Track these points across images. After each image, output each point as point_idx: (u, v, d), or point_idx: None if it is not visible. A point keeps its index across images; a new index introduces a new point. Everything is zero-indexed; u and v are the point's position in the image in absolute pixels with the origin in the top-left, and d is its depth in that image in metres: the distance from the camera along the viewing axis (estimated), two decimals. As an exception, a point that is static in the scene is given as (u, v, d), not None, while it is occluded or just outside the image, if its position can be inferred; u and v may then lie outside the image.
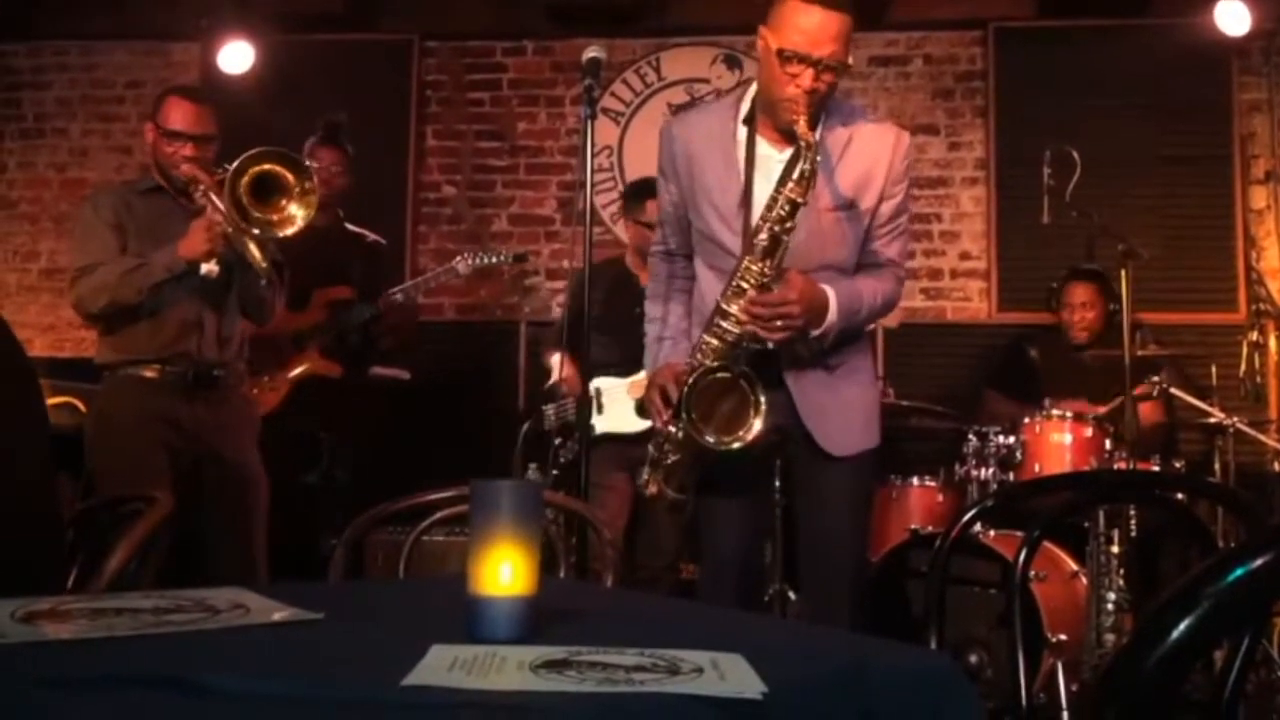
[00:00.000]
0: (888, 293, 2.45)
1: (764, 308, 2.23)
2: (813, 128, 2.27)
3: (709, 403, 2.28)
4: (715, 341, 2.30)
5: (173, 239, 2.99)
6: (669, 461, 2.37)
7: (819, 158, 2.24)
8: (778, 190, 2.24)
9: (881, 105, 5.21)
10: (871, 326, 2.72)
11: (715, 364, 2.27)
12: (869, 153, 2.37)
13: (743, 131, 2.40)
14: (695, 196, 2.44)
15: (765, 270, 2.25)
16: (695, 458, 2.34)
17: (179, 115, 3.11)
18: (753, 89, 2.41)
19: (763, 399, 2.24)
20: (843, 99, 2.51)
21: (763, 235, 2.24)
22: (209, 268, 2.96)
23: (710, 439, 2.26)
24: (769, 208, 2.24)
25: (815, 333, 2.32)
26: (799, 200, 2.21)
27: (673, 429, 2.33)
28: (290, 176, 2.96)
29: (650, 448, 2.42)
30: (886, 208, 2.41)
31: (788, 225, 2.22)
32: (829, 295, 2.31)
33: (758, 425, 2.24)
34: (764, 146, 2.38)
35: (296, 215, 2.96)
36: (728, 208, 2.38)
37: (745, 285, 2.26)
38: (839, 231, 2.39)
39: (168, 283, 2.98)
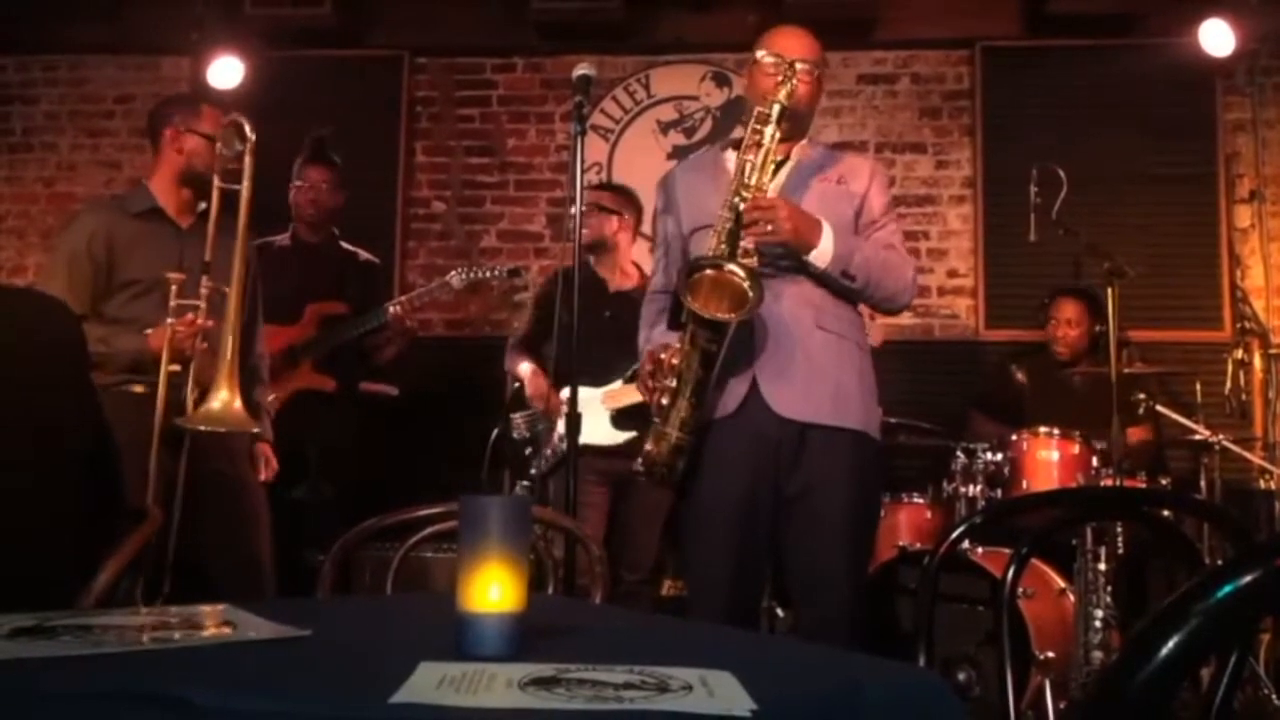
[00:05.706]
0: (893, 260, 2.52)
1: (753, 210, 2.35)
2: (792, 138, 2.53)
3: (704, 298, 2.32)
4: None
5: (154, 265, 2.99)
6: (667, 427, 2.39)
7: (802, 162, 2.56)
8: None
9: (869, 123, 5.24)
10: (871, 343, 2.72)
11: (704, 260, 2.36)
12: (849, 161, 2.66)
13: (731, 155, 2.53)
14: (688, 224, 2.59)
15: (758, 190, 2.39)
16: (693, 407, 2.38)
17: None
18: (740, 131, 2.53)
19: (757, 279, 2.31)
20: (826, 144, 2.76)
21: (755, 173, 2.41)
22: None
23: (720, 316, 2.30)
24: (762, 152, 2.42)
25: (811, 255, 2.40)
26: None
27: (665, 400, 2.38)
28: None
29: (654, 418, 2.44)
30: (876, 202, 2.56)
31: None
32: (822, 222, 2.42)
33: (757, 295, 2.29)
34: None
35: None
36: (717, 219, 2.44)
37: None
38: (839, 202, 2.53)
39: (160, 299, 2.96)
